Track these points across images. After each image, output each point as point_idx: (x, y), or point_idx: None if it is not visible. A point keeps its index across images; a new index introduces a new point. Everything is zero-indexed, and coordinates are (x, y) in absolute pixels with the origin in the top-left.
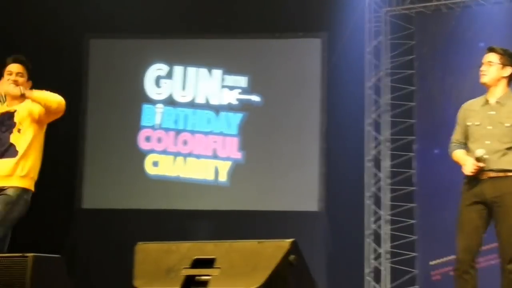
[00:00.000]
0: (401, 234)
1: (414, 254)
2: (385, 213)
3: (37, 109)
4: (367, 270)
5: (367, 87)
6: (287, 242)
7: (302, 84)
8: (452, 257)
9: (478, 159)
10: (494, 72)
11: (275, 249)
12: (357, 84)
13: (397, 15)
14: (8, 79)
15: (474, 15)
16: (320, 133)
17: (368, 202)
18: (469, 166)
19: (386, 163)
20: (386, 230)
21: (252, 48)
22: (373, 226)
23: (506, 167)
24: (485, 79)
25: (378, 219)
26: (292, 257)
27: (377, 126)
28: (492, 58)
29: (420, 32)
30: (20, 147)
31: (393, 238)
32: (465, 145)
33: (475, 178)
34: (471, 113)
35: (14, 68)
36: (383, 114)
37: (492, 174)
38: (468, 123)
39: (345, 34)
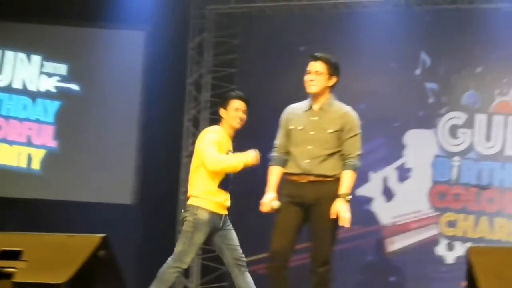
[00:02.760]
0: None
1: None
2: None
3: None
4: None
5: (188, 83)
6: (97, 237)
7: (123, 76)
8: (263, 255)
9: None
10: (322, 82)
11: (84, 243)
12: (179, 80)
13: (222, 13)
14: (237, 116)
15: (297, 19)
16: (137, 126)
17: (182, 198)
18: (265, 206)
19: None
20: None
21: (73, 36)
22: None
23: (325, 173)
24: (313, 89)
25: None
26: (101, 252)
27: (196, 122)
28: (320, 67)
29: (244, 32)
30: None
31: None
32: (287, 150)
33: (295, 181)
34: (294, 116)
35: (242, 105)
36: (202, 110)
37: (312, 178)
38: (291, 127)
39: (169, 29)
